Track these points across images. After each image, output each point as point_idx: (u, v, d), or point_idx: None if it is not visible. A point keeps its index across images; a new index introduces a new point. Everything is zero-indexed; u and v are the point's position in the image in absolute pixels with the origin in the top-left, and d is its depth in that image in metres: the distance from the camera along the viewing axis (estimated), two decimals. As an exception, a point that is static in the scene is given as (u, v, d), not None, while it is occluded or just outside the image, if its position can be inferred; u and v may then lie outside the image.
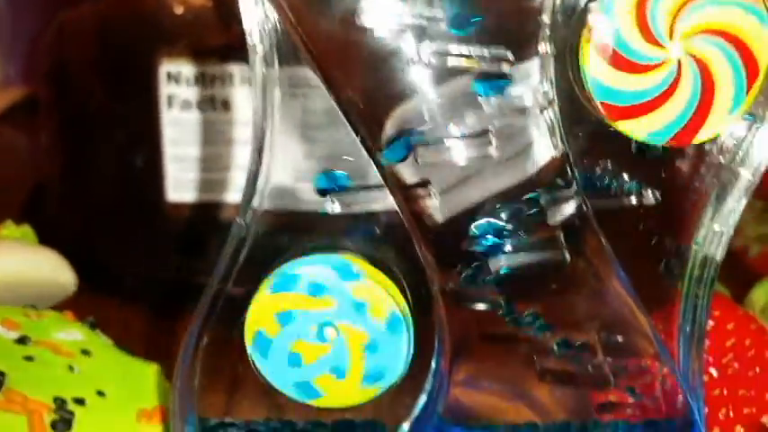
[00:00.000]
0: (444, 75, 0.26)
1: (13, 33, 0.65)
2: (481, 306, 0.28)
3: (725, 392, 0.36)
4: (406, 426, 0.31)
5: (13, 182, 0.59)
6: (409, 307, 0.29)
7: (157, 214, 0.50)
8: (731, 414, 0.35)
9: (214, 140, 0.48)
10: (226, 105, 0.47)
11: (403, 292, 0.29)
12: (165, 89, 0.48)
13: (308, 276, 0.29)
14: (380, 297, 0.29)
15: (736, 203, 0.29)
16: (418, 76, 0.26)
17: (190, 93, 0.47)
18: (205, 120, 0.48)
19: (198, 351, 0.30)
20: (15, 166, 0.63)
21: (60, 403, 0.31)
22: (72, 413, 0.31)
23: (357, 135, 0.27)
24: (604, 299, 0.28)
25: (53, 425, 0.30)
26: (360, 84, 0.26)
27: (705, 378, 0.33)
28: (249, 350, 0.29)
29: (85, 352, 0.35)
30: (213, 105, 0.47)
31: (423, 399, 0.31)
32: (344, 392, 0.29)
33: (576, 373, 0.28)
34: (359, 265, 0.29)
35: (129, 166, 0.51)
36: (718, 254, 0.30)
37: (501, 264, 0.27)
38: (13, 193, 0.58)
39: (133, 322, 0.47)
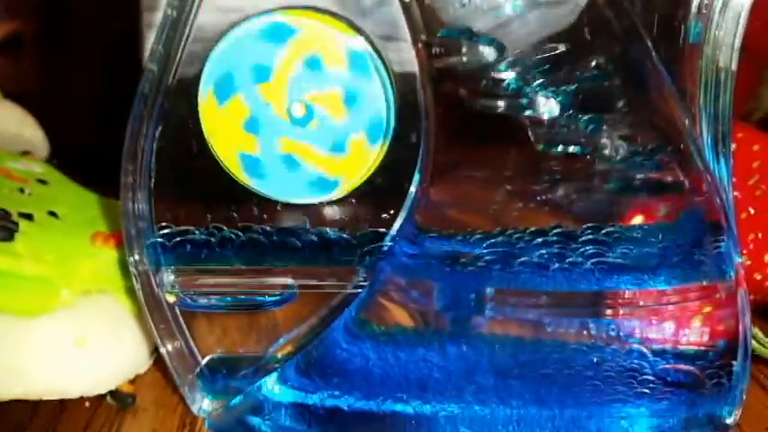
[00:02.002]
0: None
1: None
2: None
3: (752, 213, 0.32)
4: (385, 238, 0.27)
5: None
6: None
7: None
8: (760, 236, 0.32)
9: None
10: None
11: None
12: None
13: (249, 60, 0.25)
14: (331, 41, 0.25)
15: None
16: None
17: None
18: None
19: (149, 140, 0.26)
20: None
21: (3, 214, 0.28)
22: (16, 224, 0.27)
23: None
24: (625, 65, 0.24)
25: (-9, 231, 0.27)
26: None
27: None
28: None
29: (42, 181, 0.32)
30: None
31: (403, 213, 0.27)
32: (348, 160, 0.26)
33: (585, 143, 0.24)
34: (293, 17, 0.25)
35: (108, 40, 0.48)
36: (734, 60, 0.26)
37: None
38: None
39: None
